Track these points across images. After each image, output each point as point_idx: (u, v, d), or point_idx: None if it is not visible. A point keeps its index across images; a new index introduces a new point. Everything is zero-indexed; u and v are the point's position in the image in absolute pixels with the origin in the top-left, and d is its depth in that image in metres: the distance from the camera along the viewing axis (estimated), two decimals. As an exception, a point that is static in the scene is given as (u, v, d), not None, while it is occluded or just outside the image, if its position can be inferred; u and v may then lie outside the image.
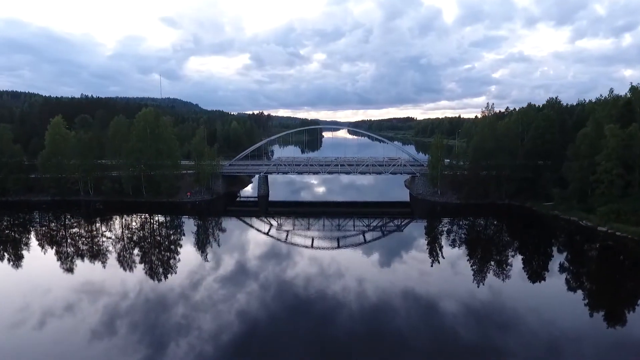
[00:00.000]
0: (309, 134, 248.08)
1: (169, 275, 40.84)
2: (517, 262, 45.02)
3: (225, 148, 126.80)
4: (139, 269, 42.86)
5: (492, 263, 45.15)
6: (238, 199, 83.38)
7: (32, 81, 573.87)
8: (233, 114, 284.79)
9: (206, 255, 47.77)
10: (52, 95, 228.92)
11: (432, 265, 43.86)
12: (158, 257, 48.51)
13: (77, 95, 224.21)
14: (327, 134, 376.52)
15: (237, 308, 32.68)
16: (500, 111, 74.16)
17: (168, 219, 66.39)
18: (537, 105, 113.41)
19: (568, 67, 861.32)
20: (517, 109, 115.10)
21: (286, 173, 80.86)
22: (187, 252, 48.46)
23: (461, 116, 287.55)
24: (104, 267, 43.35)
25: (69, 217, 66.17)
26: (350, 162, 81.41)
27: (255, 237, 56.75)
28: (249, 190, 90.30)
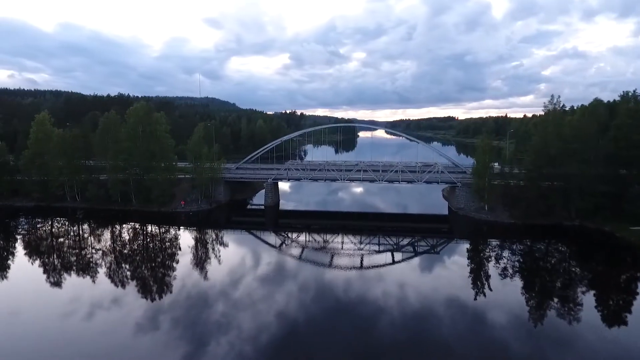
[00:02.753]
0: (344, 134, 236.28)
1: (140, 305, 33.01)
2: (588, 301, 34.33)
3: (250, 148, 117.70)
4: (101, 299, 34.08)
5: (556, 302, 34.63)
6: (248, 208, 72.11)
7: (85, 82, 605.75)
8: (269, 113, 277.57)
9: (184, 280, 38.15)
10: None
11: (475, 299, 34.33)
12: (123, 281, 38.44)
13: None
14: (363, 134, 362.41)
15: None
16: (556, 107, 56.61)
17: (155, 231, 56.06)
18: (607, 101, 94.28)
19: (629, 63, 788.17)
20: (576, 107, 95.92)
21: (298, 179, 68.40)
22: (163, 276, 40.00)
23: (508, 115, 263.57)
24: (62, 291, 36.44)
25: (45, 226, 57.53)
26: (375, 167, 67.75)
27: (256, 258, 46.00)
28: (262, 198, 78.43)
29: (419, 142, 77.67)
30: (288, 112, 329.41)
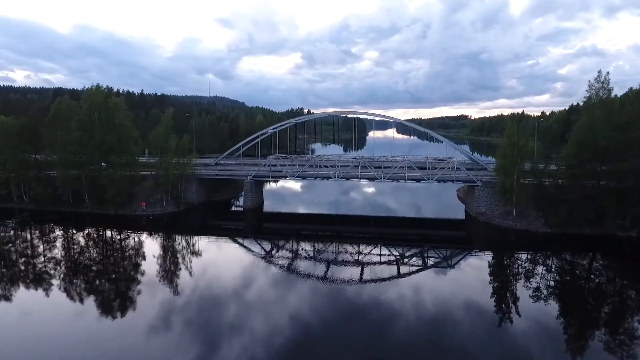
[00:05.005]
0: (352, 133, 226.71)
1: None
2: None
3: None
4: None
5: (604, 335, 26.38)
6: (226, 211, 61.38)
7: (100, 82, 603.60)
8: (277, 112, 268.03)
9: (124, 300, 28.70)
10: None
11: (500, 325, 26.70)
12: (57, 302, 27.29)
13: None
14: (373, 134, 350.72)
15: None
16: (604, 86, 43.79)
17: (105, 238, 45.73)
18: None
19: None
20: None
21: (283, 177, 57.23)
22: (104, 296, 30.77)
23: (525, 113, 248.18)
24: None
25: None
26: (377, 164, 56.31)
27: (222, 273, 36.10)
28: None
29: (435, 137, 65.36)
30: (295, 109, 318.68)
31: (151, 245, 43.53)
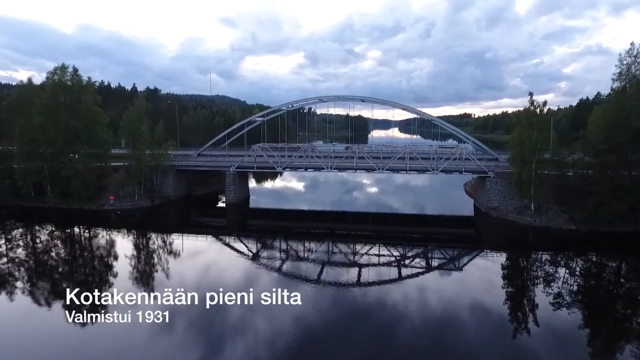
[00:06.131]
0: (354, 130, 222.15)
1: None
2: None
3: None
4: None
5: (638, 348, 21.33)
6: (209, 206, 55.48)
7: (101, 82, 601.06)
8: (272, 107, 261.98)
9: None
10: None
11: (515, 337, 22.24)
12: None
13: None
14: (377, 133, 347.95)
15: None
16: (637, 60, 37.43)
17: (65, 236, 39.92)
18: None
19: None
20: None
21: (270, 169, 51.22)
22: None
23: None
24: None
25: None
26: (375, 154, 50.33)
27: (206, 274, 29.92)
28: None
29: (439, 121, 58.82)
30: (295, 105, 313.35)
31: (114, 244, 37.67)
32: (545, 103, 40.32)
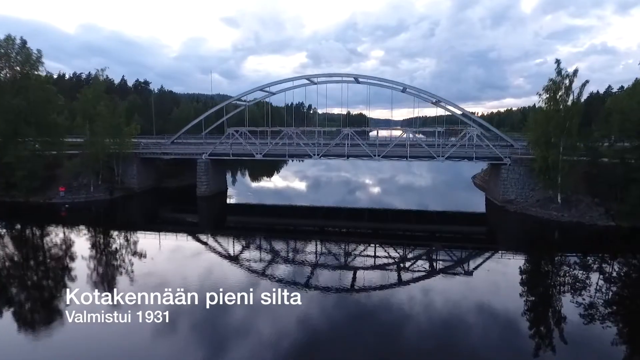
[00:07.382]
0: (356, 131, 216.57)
1: None
2: None
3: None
4: None
5: None
6: (181, 200, 48.69)
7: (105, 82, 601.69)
8: (274, 106, 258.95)
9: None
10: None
11: (536, 355, 16.62)
12: None
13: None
14: (379, 133, 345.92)
15: None
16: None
17: (4, 233, 33.33)
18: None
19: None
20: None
21: (250, 156, 44.13)
22: None
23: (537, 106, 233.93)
24: None
25: None
26: (371, 141, 43.46)
27: (175, 277, 23.04)
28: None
29: (447, 101, 51.70)
30: (295, 104, 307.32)
31: (59, 243, 30.92)
32: (575, 72, 33.16)
